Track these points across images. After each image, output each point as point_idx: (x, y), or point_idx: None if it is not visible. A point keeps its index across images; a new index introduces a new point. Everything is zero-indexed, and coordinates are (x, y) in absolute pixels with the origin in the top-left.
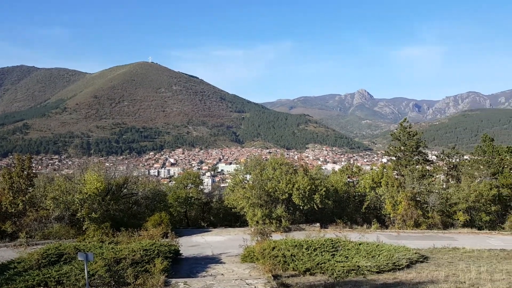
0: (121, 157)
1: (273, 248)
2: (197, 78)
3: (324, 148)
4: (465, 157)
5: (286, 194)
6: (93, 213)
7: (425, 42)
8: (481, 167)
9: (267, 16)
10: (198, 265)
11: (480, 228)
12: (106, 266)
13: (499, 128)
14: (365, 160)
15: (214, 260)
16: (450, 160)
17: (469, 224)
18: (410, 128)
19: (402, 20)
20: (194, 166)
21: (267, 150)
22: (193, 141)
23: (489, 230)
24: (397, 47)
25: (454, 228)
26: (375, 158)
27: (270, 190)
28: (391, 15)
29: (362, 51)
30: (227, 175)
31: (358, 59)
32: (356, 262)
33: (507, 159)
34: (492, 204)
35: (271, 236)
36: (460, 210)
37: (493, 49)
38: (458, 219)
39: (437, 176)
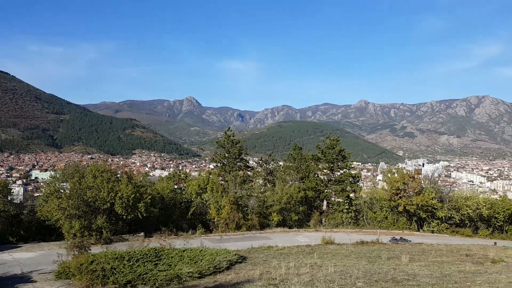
0: None
1: (92, 262)
2: (8, 74)
3: (152, 154)
4: (280, 163)
5: (108, 204)
6: None
7: (246, 57)
8: (292, 172)
9: (87, 12)
10: (4, 286)
11: (290, 227)
12: None
13: (307, 138)
14: (194, 166)
15: (24, 279)
16: (268, 166)
17: (282, 223)
18: (233, 136)
19: (224, 34)
20: (2, 174)
21: (89, 156)
22: (1, 145)
23: (297, 228)
24: (222, 59)
25: (269, 228)
26: (203, 164)
27: (90, 200)
28: (214, 28)
29: (188, 60)
30: (42, 183)
31: (184, 68)
32: (179, 269)
33: (312, 165)
34: (300, 205)
35: (90, 249)
36: (274, 212)
37: (302, 68)
38: (273, 220)
39: (256, 181)
